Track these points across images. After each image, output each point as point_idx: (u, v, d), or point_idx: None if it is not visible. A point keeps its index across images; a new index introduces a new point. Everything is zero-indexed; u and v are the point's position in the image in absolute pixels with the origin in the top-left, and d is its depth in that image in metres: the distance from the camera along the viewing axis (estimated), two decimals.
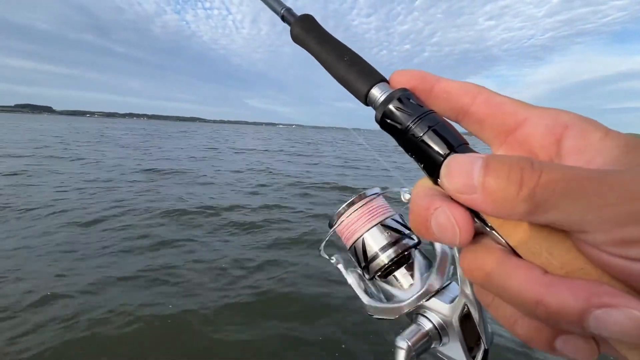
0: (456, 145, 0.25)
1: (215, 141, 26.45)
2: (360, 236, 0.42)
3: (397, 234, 0.42)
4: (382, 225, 0.42)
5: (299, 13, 0.41)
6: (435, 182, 0.25)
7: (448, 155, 0.24)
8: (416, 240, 0.43)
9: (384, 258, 0.41)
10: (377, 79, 0.33)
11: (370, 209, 0.42)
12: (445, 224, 0.21)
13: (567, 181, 0.17)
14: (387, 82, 0.33)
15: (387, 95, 0.30)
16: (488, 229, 0.22)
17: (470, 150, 0.25)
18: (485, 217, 0.22)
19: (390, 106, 0.29)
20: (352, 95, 0.34)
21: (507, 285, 0.20)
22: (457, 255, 0.27)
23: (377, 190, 0.44)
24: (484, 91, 0.27)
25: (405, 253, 0.42)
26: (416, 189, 0.26)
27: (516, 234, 0.20)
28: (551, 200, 0.17)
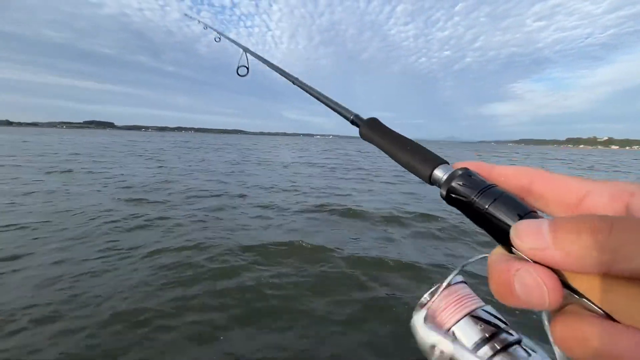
0: (524, 213, 0.26)
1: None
2: (449, 329, 0.37)
3: (492, 327, 0.37)
4: (472, 316, 0.38)
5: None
6: (509, 251, 0.25)
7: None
8: (516, 336, 0.36)
9: (480, 355, 0.35)
10: (439, 161, 0.38)
11: (458, 297, 0.38)
12: (531, 284, 0.20)
13: None
14: (449, 164, 0.38)
15: (450, 173, 0.34)
16: (577, 297, 0.21)
17: (536, 217, 0.25)
18: (571, 283, 0.21)
19: (454, 183, 0.33)
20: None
21: (613, 354, 0.18)
22: (547, 324, 0.25)
23: (460, 277, 0.42)
24: (541, 171, 0.29)
25: (505, 350, 0.35)
26: (492, 256, 0.26)
27: (608, 297, 0.19)
28: (630, 245, 0.17)
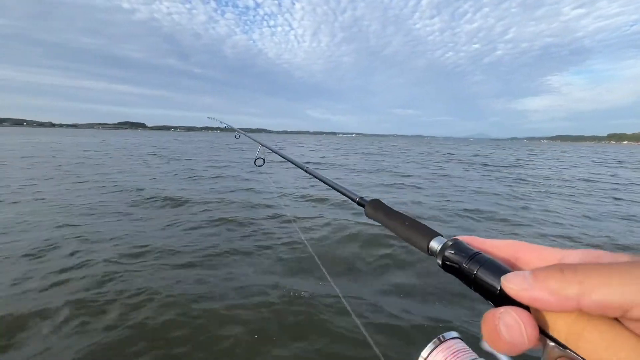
0: (506, 273, 0.31)
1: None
2: None
3: None
4: None
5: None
6: (496, 306, 0.30)
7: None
8: None
9: None
10: (434, 234, 0.44)
11: (453, 352, 0.40)
12: (511, 323, 0.26)
13: (604, 267, 0.23)
14: (442, 236, 0.43)
15: (443, 244, 0.41)
16: (558, 345, 0.25)
17: None
18: (551, 327, 0.25)
19: (446, 252, 0.39)
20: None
21: None
22: None
23: (455, 333, 0.44)
24: (524, 243, 0.35)
25: None
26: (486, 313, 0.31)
27: (581, 336, 0.23)
28: (592, 277, 0.22)
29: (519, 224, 5.78)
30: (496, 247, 0.36)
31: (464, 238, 0.40)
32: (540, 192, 9.48)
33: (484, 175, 13.28)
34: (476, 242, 0.38)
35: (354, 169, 14.26)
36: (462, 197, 8.10)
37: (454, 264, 0.37)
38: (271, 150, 1.64)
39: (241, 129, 3.47)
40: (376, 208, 0.60)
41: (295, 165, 1.26)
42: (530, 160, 23.73)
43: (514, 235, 5.04)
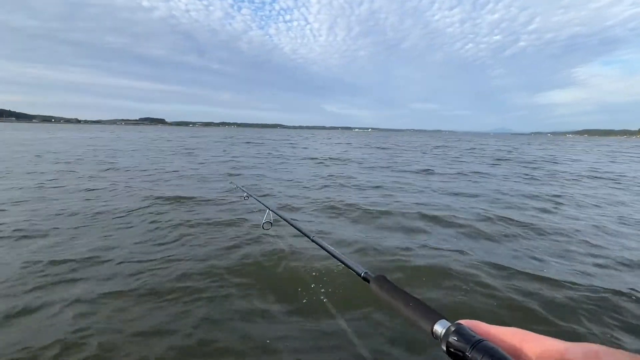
0: None
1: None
2: None
3: None
4: None
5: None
6: None
7: None
8: None
9: None
10: (437, 317, 0.44)
11: None
12: None
13: None
14: (446, 319, 0.43)
15: (446, 329, 0.41)
16: None
17: None
18: None
19: (450, 338, 0.39)
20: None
21: None
22: None
23: None
24: (529, 333, 0.36)
25: None
26: None
27: None
28: None
29: None
30: (501, 334, 0.37)
31: (468, 323, 0.40)
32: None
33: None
34: (480, 327, 0.39)
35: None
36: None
37: (458, 351, 0.37)
38: (279, 216, 1.62)
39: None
40: (382, 286, 0.60)
41: (301, 233, 1.27)
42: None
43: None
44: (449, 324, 0.41)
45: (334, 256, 0.89)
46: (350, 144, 34.52)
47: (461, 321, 0.41)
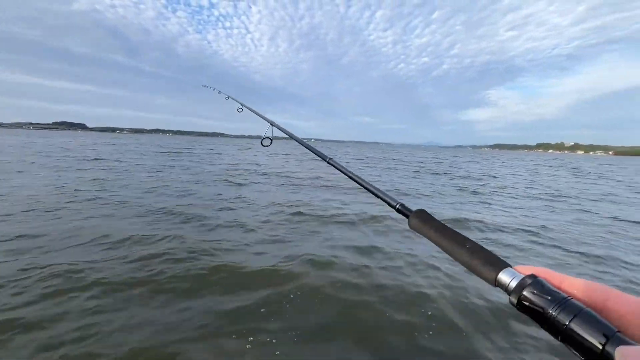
0: (611, 334, 0.27)
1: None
2: None
3: None
4: None
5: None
6: None
7: (605, 344, 0.27)
8: None
9: None
10: (503, 265, 0.38)
11: None
12: None
13: None
14: (512, 267, 0.38)
15: (520, 281, 0.34)
16: None
17: (627, 340, 0.27)
18: None
19: (526, 292, 0.33)
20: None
21: None
22: None
23: None
24: (615, 291, 0.31)
25: None
26: None
27: None
28: None
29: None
30: (578, 288, 0.32)
31: (538, 271, 0.35)
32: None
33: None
34: (555, 279, 0.34)
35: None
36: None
37: (537, 307, 0.32)
38: (282, 129, 1.44)
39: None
40: (424, 220, 0.51)
41: (316, 154, 1.09)
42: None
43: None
44: (521, 274, 0.35)
45: (358, 183, 0.74)
46: (288, 154, 30.97)
47: (532, 269, 0.36)
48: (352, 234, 5.14)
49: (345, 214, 6.32)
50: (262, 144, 1.49)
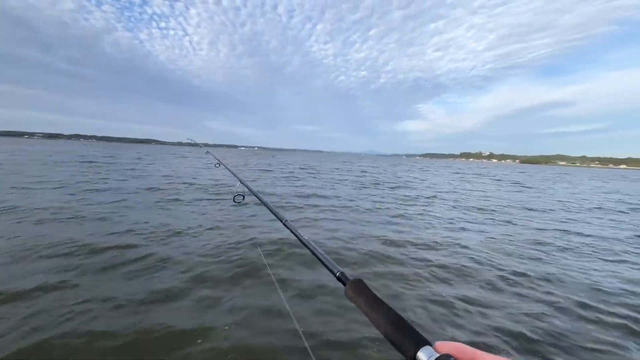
0: None
1: None
2: None
3: None
4: None
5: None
6: None
7: None
8: None
9: None
10: (422, 342, 0.39)
11: None
12: None
13: None
14: (431, 345, 0.39)
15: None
16: None
17: None
18: None
19: None
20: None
21: None
22: None
23: None
24: None
25: None
26: None
27: None
28: None
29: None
30: None
31: (452, 349, 0.37)
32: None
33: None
34: (466, 355, 0.36)
35: None
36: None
37: None
38: (248, 188, 1.50)
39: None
40: (359, 291, 0.52)
41: (272, 214, 1.10)
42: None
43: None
44: (436, 354, 0.37)
45: (307, 247, 0.78)
46: (210, 162, 27.15)
47: (447, 346, 0.38)
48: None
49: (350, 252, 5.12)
50: (234, 200, 1.65)
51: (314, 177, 19.06)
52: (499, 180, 26.17)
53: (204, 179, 14.44)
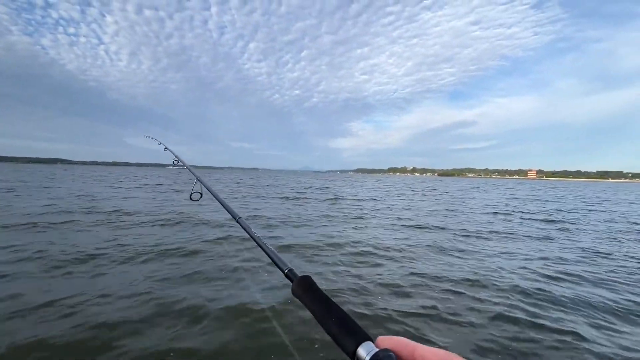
0: None
1: None
2: None
3: None
4: None
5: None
6: None
7: None
8: None
9: None
10: (363, 338, 0.38)
11: None
12: None
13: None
14: (372, 341, 0.38)
15: (372, 356, 0.35)
16: None
17: None
18: None
19: None
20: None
21: None
22: None
23: None
24: (458, 357, 0.33)
25: None
26: None
27: None
28: None
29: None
30: (426, 357, 0.34)
31: (393, 343, 0.37)
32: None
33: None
34: (406, 349, 0.36)
35: None
36: None
37: None
38: (208, 189, 1.50)
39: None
40: (304, 287, 0.52)
41: (228, 212, 1.10)
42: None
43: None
44: (376, 348, 0.36)
45: (258, 244, 0.77)
46: (143, 185, 24.45)
47: (389, 341, 0.37)
48: None
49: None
50: (191, 198, 1.55)
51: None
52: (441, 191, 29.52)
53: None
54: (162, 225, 8.42)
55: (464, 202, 18.94)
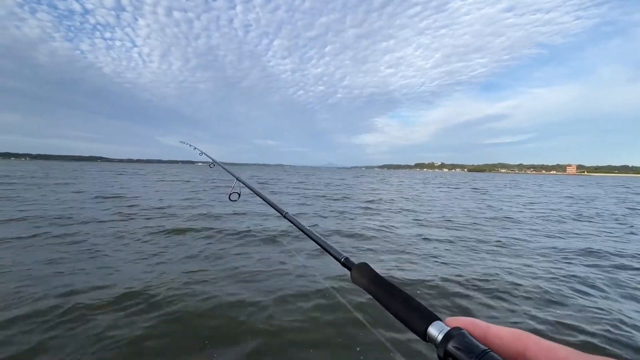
0: None
1: None
2: None
3: None
4: None
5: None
6: None
7: None
8: None
9: None
10: (432, 318, 0.39)
11: None
12: None
13: None
14: (441, 320, 0.38)
15: (445, 334, 0.35)
16: None
17: None
18: None
19: (450, 345, 0.34)
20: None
21: None
22: None
23: None
24: (533, 337, 0.31)
25: None
26: None
27: None
28: None
29: None
30: (501, 337, 0.33)
31: (464, 323, 0.36)
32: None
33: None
34: (479, 328, 0.35)
35: None
36: None
37: None
38: (247, 186, 1.48)
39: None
40: (364, 274, 0.53)
41: (273, 208, 1.08)
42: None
43: None
44: (447, 327, 0.36)
45: (310, 237, 0.77)
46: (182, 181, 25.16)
47: (459, 321, 0.37)
48: None
49: None
50: (229, 198, 1.55)
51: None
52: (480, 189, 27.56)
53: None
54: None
55: (524, 204, 16.77)
